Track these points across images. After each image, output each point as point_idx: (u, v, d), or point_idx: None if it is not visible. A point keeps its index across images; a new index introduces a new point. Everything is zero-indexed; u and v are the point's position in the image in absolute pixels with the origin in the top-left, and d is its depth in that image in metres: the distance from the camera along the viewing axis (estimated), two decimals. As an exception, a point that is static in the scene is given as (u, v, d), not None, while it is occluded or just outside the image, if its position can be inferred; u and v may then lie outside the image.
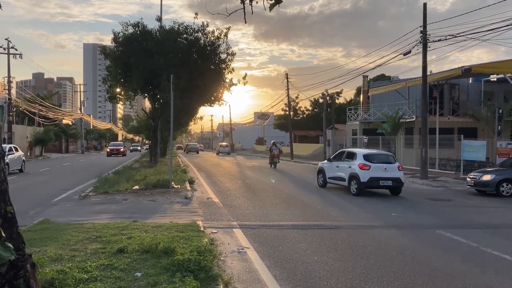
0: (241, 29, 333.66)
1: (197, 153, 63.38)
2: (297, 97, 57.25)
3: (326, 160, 18.87)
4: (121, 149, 52.60)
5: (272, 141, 32.43)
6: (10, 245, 2.66)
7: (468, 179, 16.28)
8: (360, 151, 16.56)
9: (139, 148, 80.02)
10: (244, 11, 3.51)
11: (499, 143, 20.24)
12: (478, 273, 6.30)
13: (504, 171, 15.55)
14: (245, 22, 3.59)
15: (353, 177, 15.27)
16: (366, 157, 15.51)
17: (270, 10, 3.52)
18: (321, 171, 17.99)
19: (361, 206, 12.75)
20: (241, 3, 3.47)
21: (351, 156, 16.15)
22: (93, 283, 4.88)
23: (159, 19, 23.96)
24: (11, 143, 39.65)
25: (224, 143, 65.89)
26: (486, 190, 15.44)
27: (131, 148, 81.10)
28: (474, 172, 16.59)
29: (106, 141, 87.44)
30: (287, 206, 12.37)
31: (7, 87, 41.68)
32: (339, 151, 18.63)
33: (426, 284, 5.73)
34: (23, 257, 2.92)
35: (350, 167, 15.61)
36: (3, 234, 2.65)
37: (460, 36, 19.61)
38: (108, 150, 53.65)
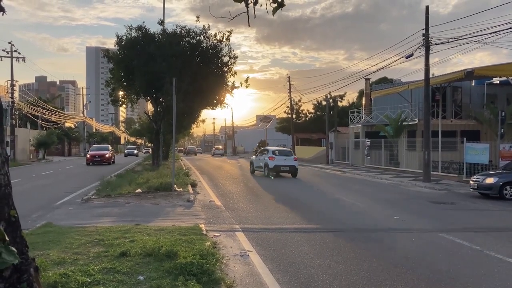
0: (243, 32, 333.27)
1: (195, 155, 73.86)
2: (299, 100, 57.17)
3: (254, 156, 27.69)
4: (106, 155, 37.51)
5: (258, 144, 39.51)
6: (13, 249, 2.66)
7: (471, 182, 16.21)
8: (271, 149, 25.16)
9: (135, 152, 68.73)
10: (247, 14, 3.51)
11: (502, 146, 20.17)
12: (482, 276, 6.27)
13: (508, 174, 15.49)
14: (249, 26, 3.59)
15: (266, 165, 23.65)
16: (273, 152, 24.10)
17: (273, 14, 3.52)
18: (252, 163, 26.68)
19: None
20: (245, 6, 3.47)
21: (266, 152, 24.67)
22: (96, 287, 4.89)
23: (162, 22, 24.01)
24: (14, 147, 40.00)
25: (219, 146, 78.85)
26: (489, 193, 15.36)
27: (125, 151, 69.54)
28: (477, 175, 16.51)
29: (109, 144, 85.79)
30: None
31: (10, 91, 41.93)
32: (261, 148, 26.68)
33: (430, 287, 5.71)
34: (26, 261, 2.92)
35: (264, 158, 24.02)
36: (7, 238, 2.65)
37: (463, 39, 19.59)
38: (88, 156, 38.07)
